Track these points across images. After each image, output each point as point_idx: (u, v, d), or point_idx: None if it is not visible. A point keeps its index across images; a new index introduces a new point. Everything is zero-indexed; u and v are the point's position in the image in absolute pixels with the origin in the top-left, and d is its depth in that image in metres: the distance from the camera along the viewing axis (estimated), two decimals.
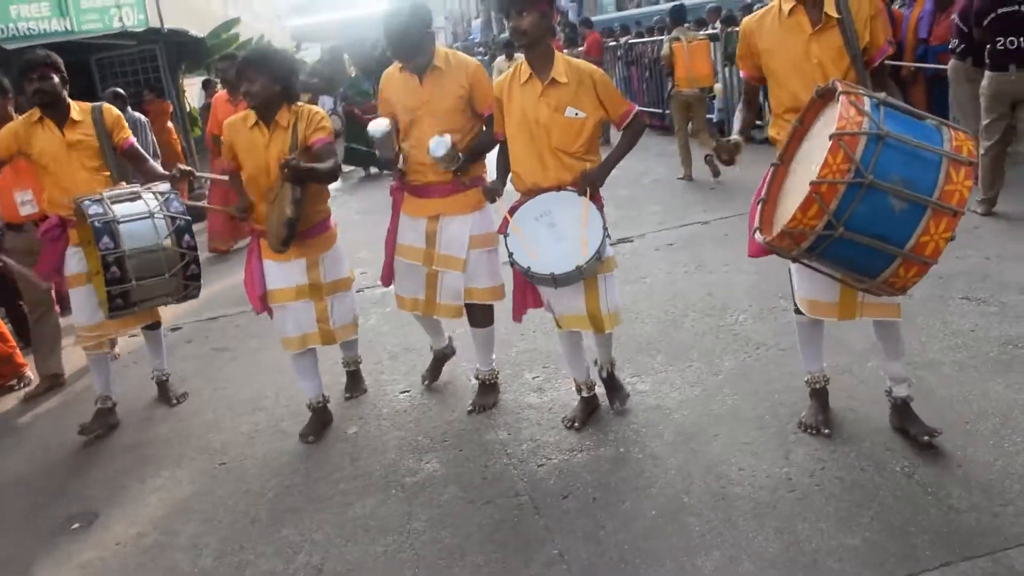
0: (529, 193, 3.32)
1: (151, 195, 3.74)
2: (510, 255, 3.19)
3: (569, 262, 3.06)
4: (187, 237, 3.69)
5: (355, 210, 9.05)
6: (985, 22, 5.34)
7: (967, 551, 2.47)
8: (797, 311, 3.08)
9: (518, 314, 3.57)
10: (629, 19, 16.94)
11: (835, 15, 2.83)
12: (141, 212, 3.64)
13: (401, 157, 3.61)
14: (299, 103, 3.56)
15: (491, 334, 3.89)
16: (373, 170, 11.16)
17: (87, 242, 3.79)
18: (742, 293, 4.82)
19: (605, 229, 3.17)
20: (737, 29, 8.32)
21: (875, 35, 2.88)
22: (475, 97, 3.54)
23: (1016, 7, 5.18)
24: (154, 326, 4.34)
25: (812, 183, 2.32)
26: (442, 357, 4.21)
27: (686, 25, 8.90)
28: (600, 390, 3.66)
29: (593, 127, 3.27)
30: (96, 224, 3.50)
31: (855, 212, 2.32)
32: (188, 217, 3.75)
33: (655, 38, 11.42)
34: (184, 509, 3.39)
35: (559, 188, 3.25)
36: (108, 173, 3.98)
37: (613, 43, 13.12)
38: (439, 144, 3.36)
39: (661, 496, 2.97)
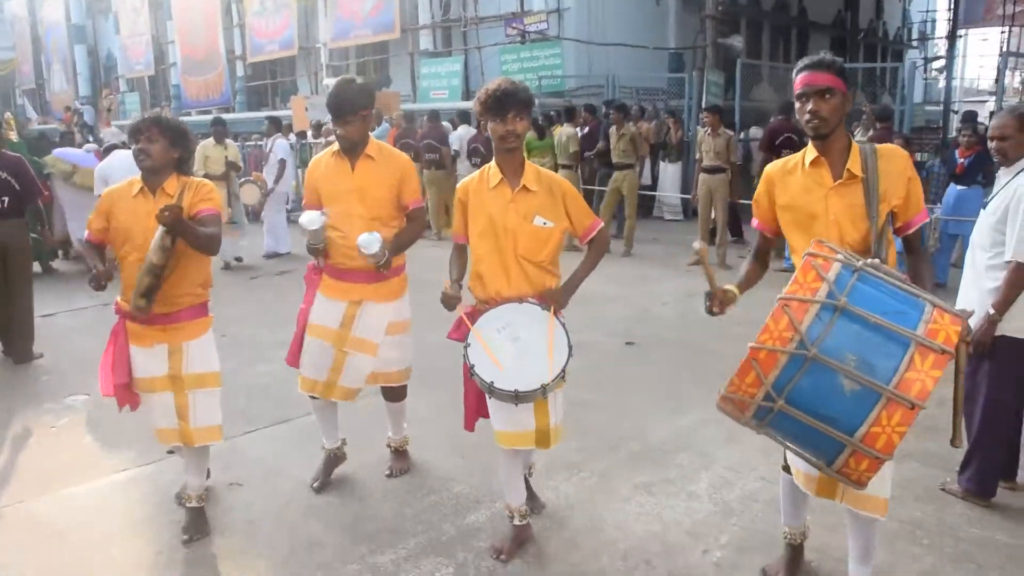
0: (490, 302, 3.13)
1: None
2: (471, 367, 2.96)
3: (535, 380, 2.89)
4: None
5: None
6: (777, 141, 8.78)
7: None
8: (785, 467, 2.80)
9: (471, 423, 3.33)
10: None
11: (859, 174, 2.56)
12: None
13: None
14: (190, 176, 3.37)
15: (404, 407, 4.01)
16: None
17: None
18: None
19: (570, 347, 2.98)
20: None
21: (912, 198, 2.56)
22: (403, 190, 3.60)
23: (789, 135, 8.66)
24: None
25: (751, 347, 2.13)
26: (334, 460, 3.92)
27: None
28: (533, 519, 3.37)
29: (559, 238, 3.15)
30: None
31: (797, 386, 2.09)
32: None
33: None
34: None
35: (520, 299, 3.08)
36: None
37: None
38: (371, 242, 3.36)
39: None
